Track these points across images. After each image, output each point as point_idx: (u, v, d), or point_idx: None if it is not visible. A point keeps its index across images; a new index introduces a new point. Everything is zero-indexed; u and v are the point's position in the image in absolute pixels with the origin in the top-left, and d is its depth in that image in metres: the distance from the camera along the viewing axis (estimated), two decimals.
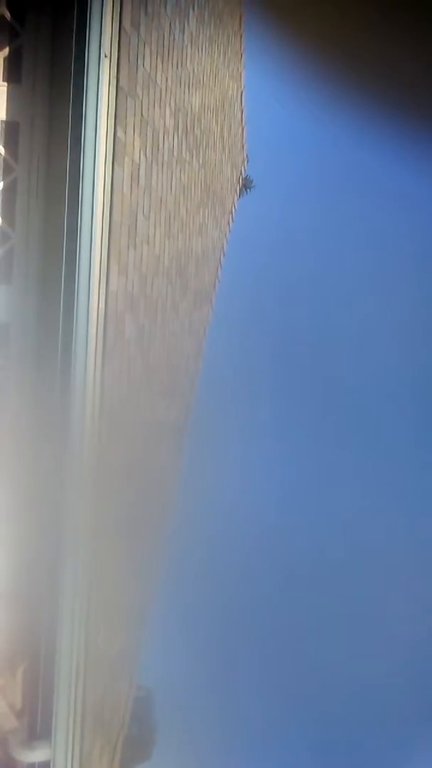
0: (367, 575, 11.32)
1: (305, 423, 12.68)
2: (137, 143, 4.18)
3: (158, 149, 4.70)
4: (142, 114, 4.22)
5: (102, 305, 3.82)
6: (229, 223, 8.15)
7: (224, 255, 7.95)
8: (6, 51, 3.72)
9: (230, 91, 7.51)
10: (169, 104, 4.92)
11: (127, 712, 5.53)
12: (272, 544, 11.28)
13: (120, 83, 3.74)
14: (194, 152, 5.93)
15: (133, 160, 4.12)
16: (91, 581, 3.89)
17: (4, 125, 3.76)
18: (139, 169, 4.26)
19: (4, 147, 3.77)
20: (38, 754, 3.96)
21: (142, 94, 4.21)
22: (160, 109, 4.65)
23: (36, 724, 3.97)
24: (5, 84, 3.72)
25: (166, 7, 4.60)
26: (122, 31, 3.71)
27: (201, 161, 6.30)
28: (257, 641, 10.89)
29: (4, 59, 3.72)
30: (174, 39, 4.90)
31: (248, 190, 9.25)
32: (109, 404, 4.03)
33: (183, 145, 5.47)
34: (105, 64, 3.58)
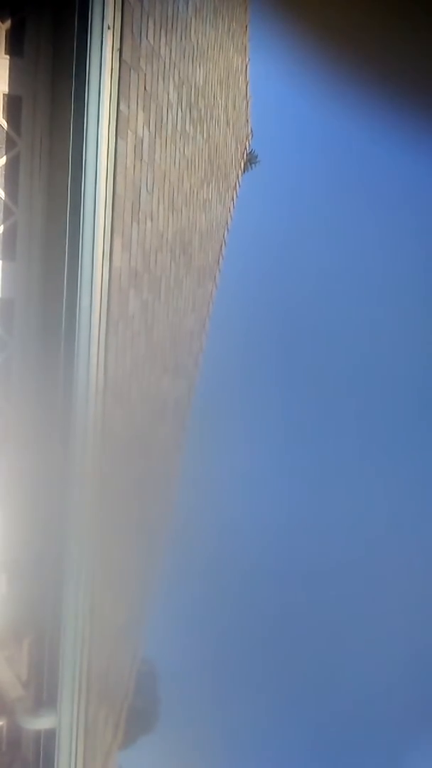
0: (370, 565, 11.39)
1: (308, 400, 12.70)
2: (140, 117, 4.15)
3: (162, 123, 4.67)
4: (145, 87, 4.19)
5: (105, 281, 3.82)
6: (233, 199, 8.10)
7: (228, 231, 7.91)
8: (8, 23, 3.69)
9: (235, 65, 7.43)
10: (173, 77, 4.87)
11: (131, 683, 5.62)
12: (276, 522, 11.35)
13: (123, 56, 3.70)
14: (198, 126, 5.89)
15: (136, 134, 4.10)
16: (96, 551, 3.94)
17: (6, 99, 3.74)
18: (142, 144, 4.24)
19: (7, 121, 3.76)
20: (44, 722, 4.03)
21: (146, 67, 4.17)
22: (163, 82, 4.61)
23: (42, 693, 4.04)
24: (7, 57, 3.70)
25: None
26: (126, 2, 3.67)
27: (205, 136, 6.26)
28: (261, 621, 11.00)
29: (6, 31, 3.69)
30: (178, 11, 4.85)
31: (252, 165, 9.20)
32: (112, 380, 4.05)
33: (187, 119, 5.43)
34: (108, 36, 3.54)
